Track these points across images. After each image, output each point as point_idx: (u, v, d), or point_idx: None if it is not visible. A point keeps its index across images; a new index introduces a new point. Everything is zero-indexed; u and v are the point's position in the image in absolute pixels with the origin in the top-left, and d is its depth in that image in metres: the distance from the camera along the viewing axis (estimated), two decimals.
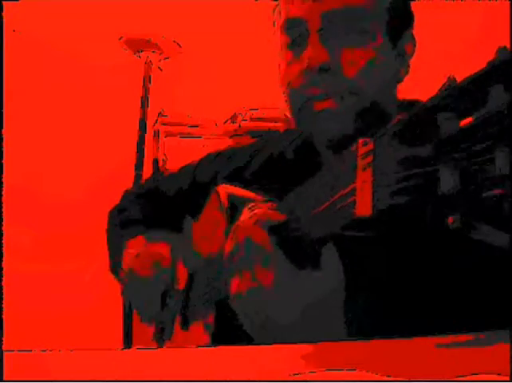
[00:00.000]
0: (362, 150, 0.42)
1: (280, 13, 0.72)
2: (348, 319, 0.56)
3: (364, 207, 0.41)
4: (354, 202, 0.43)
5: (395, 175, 0.38)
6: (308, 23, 0.68)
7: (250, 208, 0.60)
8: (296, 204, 0.56)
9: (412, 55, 0.74)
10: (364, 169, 0.42)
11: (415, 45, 0.74)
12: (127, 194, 1.06)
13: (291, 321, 0.56)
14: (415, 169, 0.37)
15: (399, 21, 0.72)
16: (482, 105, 0.32)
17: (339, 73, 0.67)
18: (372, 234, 0.45)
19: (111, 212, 1.04)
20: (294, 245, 0.55)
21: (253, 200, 0.62)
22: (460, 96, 0.34)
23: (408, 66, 0.74)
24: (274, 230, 0.56)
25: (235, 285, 0.57)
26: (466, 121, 0.34)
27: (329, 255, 0.55)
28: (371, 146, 0.42)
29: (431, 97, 0.36)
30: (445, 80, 0.35)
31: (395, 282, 0.61)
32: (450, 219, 0.36)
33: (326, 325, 0.56)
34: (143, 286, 0.86)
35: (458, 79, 0.35)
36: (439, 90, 0.36)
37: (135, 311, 0.95)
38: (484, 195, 0.33)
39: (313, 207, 0.51)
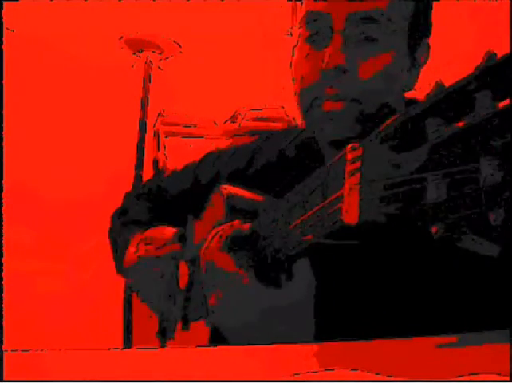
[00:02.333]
0: (351, 155, 0.41)
1: (302, 4, 0.71)
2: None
3: (350, 215, 0.40)
4: (340, 209, 0.42)
5: (382, 182, 0.38)
6: (332, 20, 0.67)
7: (217, 227, 0.62)
8: (270, 218, 0.57)
9: (425, 64, 0.73)
10: (352, 175, 0.41)
11: (428, 55, 0.74)
12: (128, 195, 1.06)
13: (261, 329, 0.57)
14: (403, 176, 0.36)
15: (420, 30, 0.71)
16: (470, 112, 0.32)
17: (355, 76, 0.66)
18: (357, 242, 0.44)
19: (113, 215, 1.04)
20: (262, 262, 0.57)
21: (253, 200, 0.63)
22: (448, 101, 0.34)
23: (418, 75, 0.73)
24: (238, 242, 0.58)
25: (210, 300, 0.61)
26: (453, 127, 0.33)
27: (301, 272, 0.56)
28: (360, 151, 0.41)
29: (419, 103, 0.36)
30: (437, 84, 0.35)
31: (380, 291, 0.62)
32: (433, 228, 0.35)
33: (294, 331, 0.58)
34: (153, 270, 0.83)
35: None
36: (427, 95, 0.35)
37: (135, 311, 0.94)
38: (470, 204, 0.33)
39: (291, 221, 0.51)
